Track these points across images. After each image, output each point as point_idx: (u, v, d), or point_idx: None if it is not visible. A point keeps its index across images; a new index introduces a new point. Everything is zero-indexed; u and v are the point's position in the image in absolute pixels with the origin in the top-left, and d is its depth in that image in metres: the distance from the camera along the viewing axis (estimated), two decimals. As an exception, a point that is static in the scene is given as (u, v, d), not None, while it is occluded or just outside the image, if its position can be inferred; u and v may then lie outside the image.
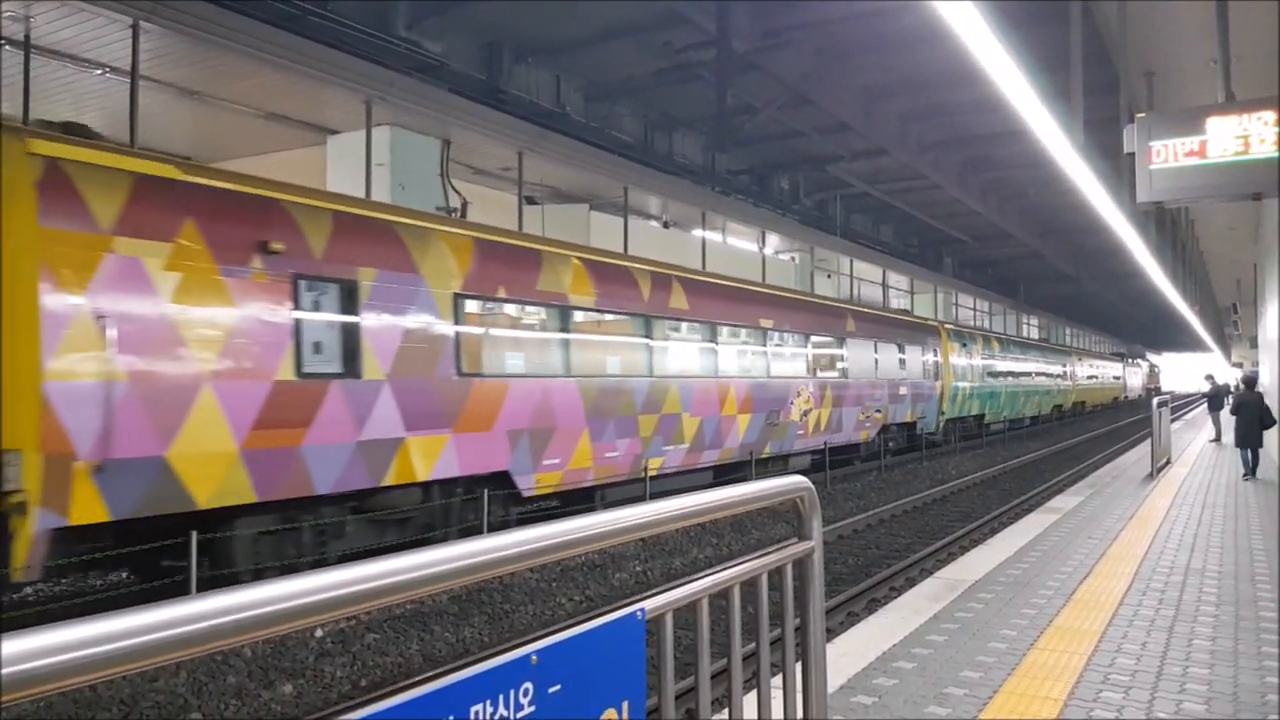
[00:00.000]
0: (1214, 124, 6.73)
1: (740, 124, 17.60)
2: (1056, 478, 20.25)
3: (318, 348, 8.55)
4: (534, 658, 1.67)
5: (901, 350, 22.82)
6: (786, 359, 17.53)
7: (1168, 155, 6.86)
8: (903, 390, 22.74)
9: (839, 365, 19.53)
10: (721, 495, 2.44)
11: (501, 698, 1.59)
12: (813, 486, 2.77)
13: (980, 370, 29.49)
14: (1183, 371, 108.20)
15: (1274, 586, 6.64)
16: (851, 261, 28.60)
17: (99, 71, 11.49)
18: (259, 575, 7.71)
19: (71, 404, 6.69)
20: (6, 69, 10.92)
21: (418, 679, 1.44)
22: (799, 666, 2.76)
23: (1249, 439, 14.08)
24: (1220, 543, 8.49)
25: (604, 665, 1.88)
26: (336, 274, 8.69)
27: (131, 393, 7.05)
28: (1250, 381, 15.28)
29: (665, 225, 21.91)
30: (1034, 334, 50.03)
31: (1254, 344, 28.53)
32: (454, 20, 13.33)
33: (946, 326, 27.66)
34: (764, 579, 2.57)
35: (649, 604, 2.05)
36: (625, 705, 1.92)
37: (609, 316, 12.77)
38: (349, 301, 8.81)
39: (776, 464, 16.87)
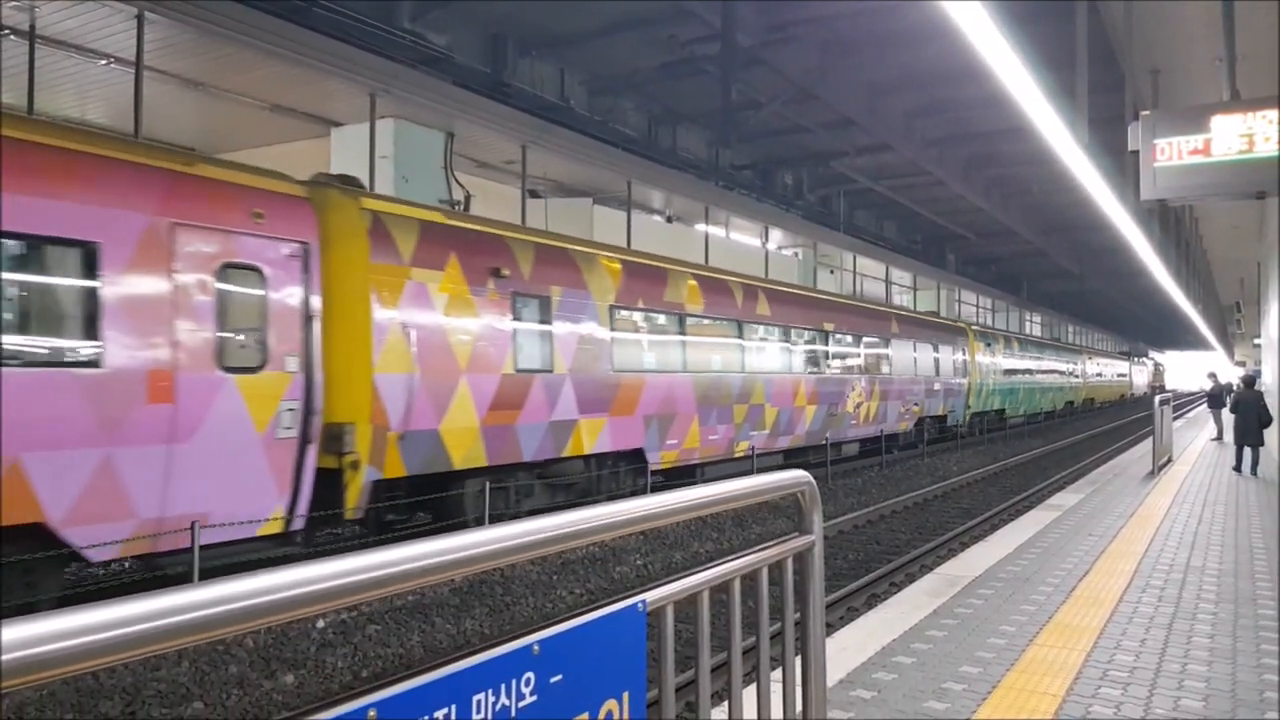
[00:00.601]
0: (1218, 122, 6.72)
1: (744, 119, 17.57)
2: (1057, 475, 20.27)
3: (527, 349, 10.97)
4: (536, 647, 1.69)
5: (935, 350, 25.18)
6: (844, 358, 19.89)
7: (1172, 153, 6.86)
8: (936, 386, 25.13)
9: (884, 364, 21.90)
10: (723, 489, 2.46)
11: (504, 687, 1.60)
12: (813, 481, 2.78)
13: (1002, 368, 31.73)
14: (1186, 370, 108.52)
15: (1274, 584, 6.65)
16: (855, 257, 28.57)
17: (103, 62, 11.50)
18: (478, 523, 9.92)
19: (388, 390, 9.05)
20: (12, 59, 10.93)
21: (421, 668, 1.45)
22: (799, 660, 2.78)
23: (1248, 437, 14.44)
24: (1220, 541, 8.50)
25: (605, 656, 1.89)
26: (538, 292, 11.19)
27: (422, 382, 9.44)
28: (1249, 380, 15.56)
29: (668, 220, 21.90)
30: (1037, 331, 50.10)
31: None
32: (458, 13, 13.32)
33: (973, 328, 29.90)
34: (764, 573, 2.59)
35: (650, 596, 2.07)
36: (625, 696, 1.94)
37: (713, 322, 15.16)
38: (545, 313, 11.30)
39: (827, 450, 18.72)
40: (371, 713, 1.35)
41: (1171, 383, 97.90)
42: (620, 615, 1.95)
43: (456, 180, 13.99)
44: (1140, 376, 71.90)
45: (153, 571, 7.69)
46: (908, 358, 23.22)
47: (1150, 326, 69.23)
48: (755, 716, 2.54)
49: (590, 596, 9.26)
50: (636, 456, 12.94)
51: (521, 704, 1.64)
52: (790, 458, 17.12)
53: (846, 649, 4.98)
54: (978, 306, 41.57)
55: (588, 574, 9.93)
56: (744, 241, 24.10)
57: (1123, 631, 5.37)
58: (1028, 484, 18.94)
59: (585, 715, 1.81)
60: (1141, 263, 16.46)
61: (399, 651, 7.41)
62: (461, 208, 13.39)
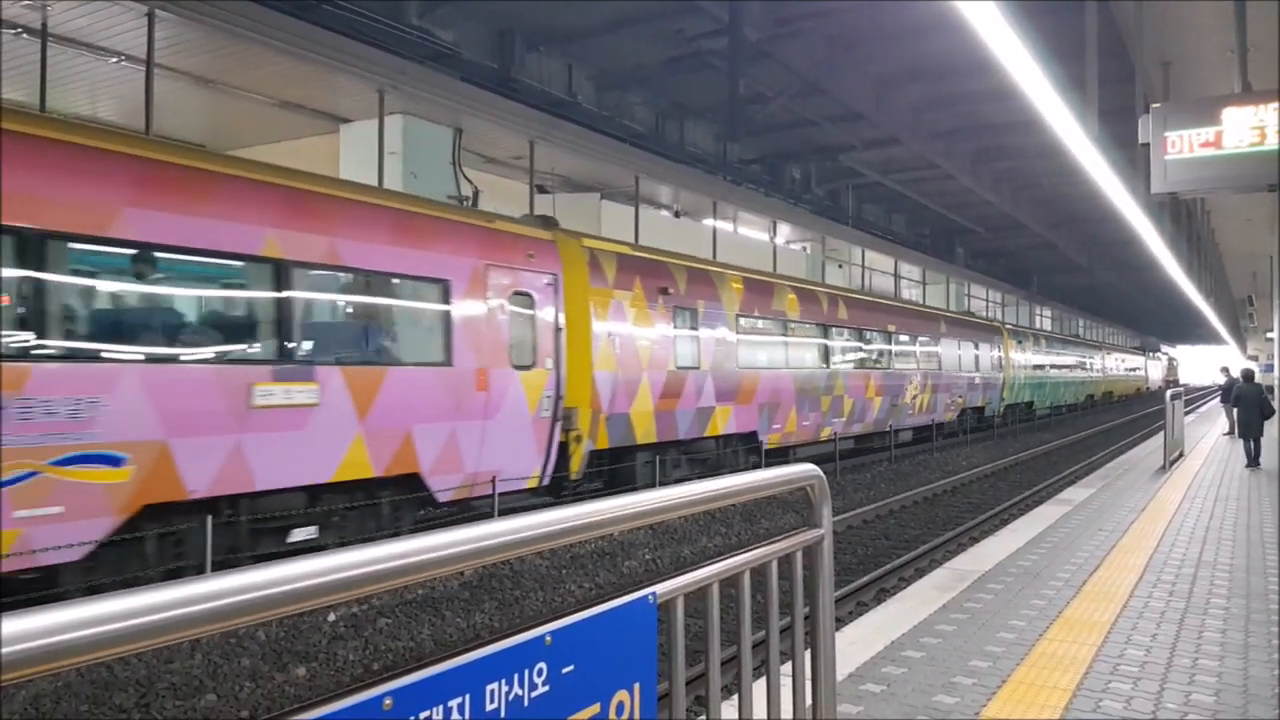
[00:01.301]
0: (1230, 114, 6.69)
1: (752, 113, 17.53)
2: (1068, 470, 20.20)
3: (682, 350, 13.85)
4: (548, 638, 1.70)
5: (976, 348, 27.88)
6: (903, 355, 22.59)
7: (1183, 146, 6.83)
8: (976, 380, 27.87)
9: (935, 361, 24.55)
10: (733, 482, 2.46)
11: (516, 677, 1.61)
12: (823, 474, 2.78)
13: (1031, 364, 34.42)
14: (1199, 365, 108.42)
15: (1276, 578, 6.63)
16: (864, 252, 28.49)
17: (114, 60, 11.54)
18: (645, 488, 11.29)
19: (601, 383, 12.09)
20: (25, 57, 10.98)
21: (434, 658, 1.47)
22: (808, 654, 2.78)
23: (1250, 429, 14.89)
24: (1232, 536, 8.47)
25: (616, 647, 1.90)
26: (689, 305, 14.08)
27: (621, 377, 12.44)
28: (1249, 375, 16.27)
29: (676, 215, 21.88)
30: (1047, 325, 50.10)
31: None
32: (466, 9, 13.32)
33: (1007, 327, 32.81)
34: (774, 566, 2.59)
35: (660, 588, 2.07)
36: (637, 688, 1.95)
37: (806, 326, 17.94)
38: (694, 322, 14.17)
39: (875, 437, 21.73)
40: (387, 701, 1.37)
41: (1184, 377, 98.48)
42: (631, 607, 1.96)
43: (465, 176, 14.01)
44: (1155, 371, 74.32)
45: (465, 512, 10.56)
46: (954, 355, 25.95)
47: (1161, 321, 69.04)
48: (765, 710, 2.55)
49: (599, 591, 9.28)
50: (751, 438, 15.73)
51: (534, 694, 1.65)
52: (859, 443, 20.71)
53: (855, 643, 4.99)
54: (987, 300, 41.43)
55: (596, 568, 9.95)
56: (752, 236, 24.06)
57: (1133, 626, 5.36)
58: (1038, 479, 18.89)
59: (597, 706, 1.82)
60: (1152, 256, 16.36)
61: (409, 644, 7.44)
62: (469, 203, 13.41)
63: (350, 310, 9.46)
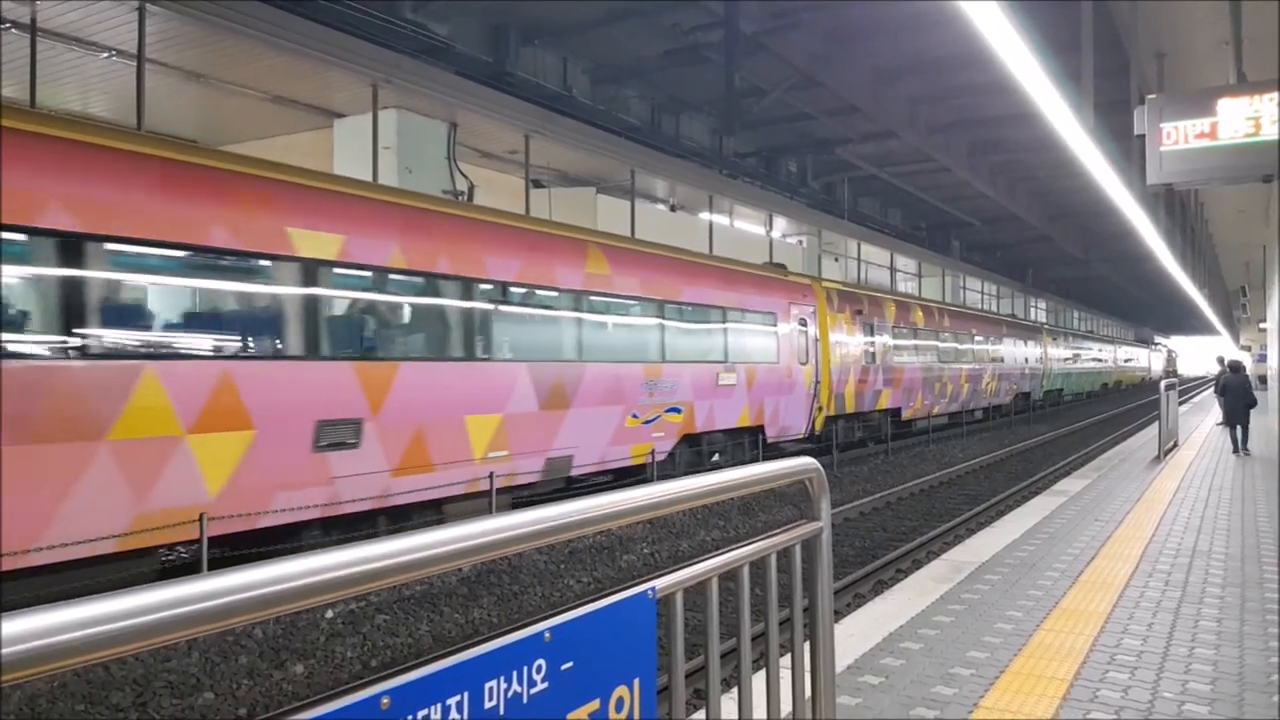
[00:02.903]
0: (1225, 105, 6.69)
1: (748, 106, 17.50)
2: (1063, 461, 20.25)
3: (870, 352, 20.80)
4: (547, 635, 1.69)
5: (1025, 345, 35.34)
6: (982, 353, 29.83)
7: (1178, 137, 6.82)
8: (1025, 371, 35.26)
9: (1000, 355, 31.72)
10: (731, 476, 2.45)
11: (515, 673, 1.61)
12: (821, 468, 2.78)
13: (1063, 357, 42.09)
14: (1193, 355, 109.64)
15: (1276, 567, 6.65)
16: (859, 245, 28.49)
17: (105, 55, 11.48)
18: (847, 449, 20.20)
19: (834, 374, 18.82)
20: (15, 53, 10.92)
21: (433, 655, 1.45)
22: (807, 647, 2.78)
23: (1235, 417, 15.90)
24: (1227, 525, 8.50)
25: (616, 643, 1.90)
26: (869, 320, 20.90)
27: (841, 369, 19.25)
28: (1236, 366, 17.20)
29: (672, 208, 21.85)
30: (1042, 318, 50.48)
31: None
32: (460, 2, 13.27)
33: (1045, 326, 41.26)
34: (773, 559, 2.59)
35: (659, 583, 2.07)
36: (636, 682, 1.94)
37: (928, 333, 24.72)
38: (872, 332, 20.98)
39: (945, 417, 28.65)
40: (385, 700, 1.36)
41: (1184, 368, 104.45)
42: (630, 602, 1.96)
43: (460, 171, 13.97)
44: (1158, 363, 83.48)
45: (773, 449, 16.61)
46: (1011, 351, 33.12)
47: (1156, 312, 69.34)
48: (765, 703, 2.55)
49: (598, 585, 9.28)
50: (896, 413, 22.53)
51: (533, 690, 1.64)
52: (951, 419, 27.35)
53: (854, 635, 5.00)
54: (983, 293, 41.47)
55: (594, 563, 9.95)
56: (748, 229, 24.06)
57: (1130, 616, 5.38)
58: (1034, 470, 18.94)
59: (596, 702, 1.82)
60: (1148, 248, 16.40)
61: (408, 641, 7.44)
62: (465, 198, 13.37)
63: (744, 333, 15.74)
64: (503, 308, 10.69)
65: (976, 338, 28.78)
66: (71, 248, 6.80)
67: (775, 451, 16.51)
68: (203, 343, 7.83)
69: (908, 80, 18.20)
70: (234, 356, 7.94)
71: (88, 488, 6.66)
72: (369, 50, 11.63)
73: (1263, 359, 39.81)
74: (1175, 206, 18.53)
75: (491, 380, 10.33)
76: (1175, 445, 16.36)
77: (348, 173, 12.32)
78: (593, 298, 12.14)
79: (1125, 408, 43.13)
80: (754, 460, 11.82)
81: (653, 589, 2.03)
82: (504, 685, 1.58)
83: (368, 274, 9.11)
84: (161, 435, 7.13)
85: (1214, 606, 5.60)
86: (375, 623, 7.66)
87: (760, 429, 16.02)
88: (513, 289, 10.82)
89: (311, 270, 8.43)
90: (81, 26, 10.75)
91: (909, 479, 16.88)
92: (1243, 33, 7.40)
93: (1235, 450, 15.44)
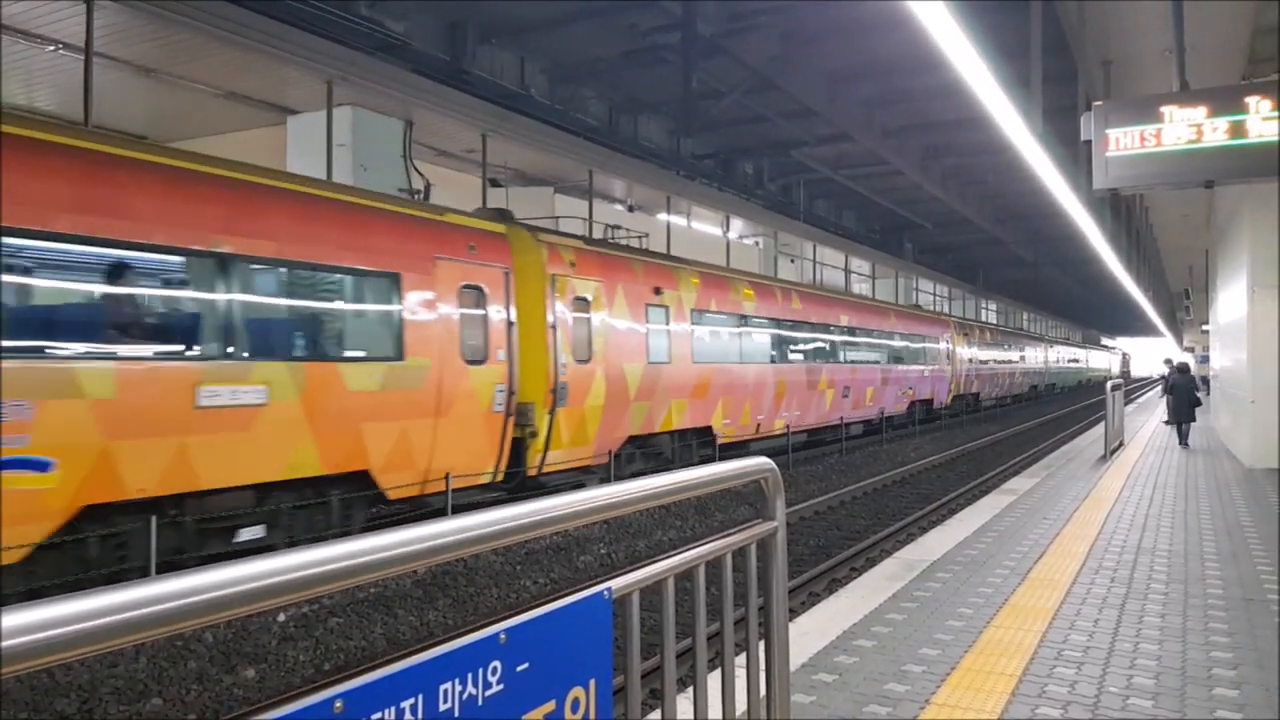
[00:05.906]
0: (1169, 112, 6.86)
1: (705, 108, 17.56)
2: (1013, 460, 20.62)
3: (972, 361, 34.51)
4: (502, 636, 1.69)
5: (1035, 350, 47.60)
6: (1023, 359, 43.76)
7: (1124, 143, 6.99)
8: (1036, 370, 47.95)
9: (1028, 360, 45.12)
10: (687, 476, 2.47)
11: (470, 676, 1.60)
12: (776, 468, 2.81)
13: (1054, 359, 55.34)
14: (1141, 357, 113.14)
15: (1221, 565, 6.84)
16: (815, 246, 28.76)
17: (51, 48, 11.19)
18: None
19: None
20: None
21: (387, 658, 1.44)
22: (762, 645, 2.81)
23: (1180, 414, 17.28)
24: (1170, 522, 8.72)
25: (571, 644, 1.90)
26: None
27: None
28: (1183, 368, 18.68)
29: (630, 209, 21.87)
30: (993, 319, 51.93)
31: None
32: (416, 1, 13.16)
33: (1047, 336, 57.32)
34: (728, 559, 2.61)
35: (615, 584, 2.08)
36: (592, 684, 1.95)
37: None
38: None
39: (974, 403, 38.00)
40: (338, 704, 1.35)
41: (1137, 370, 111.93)
42: (586, 603, 1.96)
43: (416, 169, 13.84)
44: (1116, 365, 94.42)
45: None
46: (1030, 354, 46.00)
47: (1103, 314, 71.08)
48: (720, 702, 2.57)
49: (554, 586, 9.25)
50: (976, 397, 33.90)
51: (489, 693, 1.64)
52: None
53: (809, 633, 5.05)
54: (934, 295, 42.09)
55: (551, 563, 9.93)
56: (705, 230, 24.16)
57: (1077, 612, 5.50)
58: (984, 469, 19.25)
59: (552, 703, 1.82)
60: (1094, 250, 16.77)
61: (362, 644, 7.36)
62: (421, 197, 13.25)
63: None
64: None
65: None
66: None
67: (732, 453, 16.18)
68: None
69: (862, 84, 18.40)
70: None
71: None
72: (323, 46, 11.46)
73: (1205, 360, 40.96)
74: (1121, 211, 18.97)
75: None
76: (1121, 444, 16.74)
77: (302, 171, 12.13)
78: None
79: (1074, 407, 44.05)
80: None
81: (609, 589, 2.03)
82: (459, 687, 1.58)
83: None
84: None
85: (1158, 603, 5.75)
86: (329, 626, 7.56)
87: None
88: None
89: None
90: (27, 19, 10.47)
91: (863, 478, 17.06)
92: (1185, 41, 7.60)
93: (1181, 443, 16.90)
